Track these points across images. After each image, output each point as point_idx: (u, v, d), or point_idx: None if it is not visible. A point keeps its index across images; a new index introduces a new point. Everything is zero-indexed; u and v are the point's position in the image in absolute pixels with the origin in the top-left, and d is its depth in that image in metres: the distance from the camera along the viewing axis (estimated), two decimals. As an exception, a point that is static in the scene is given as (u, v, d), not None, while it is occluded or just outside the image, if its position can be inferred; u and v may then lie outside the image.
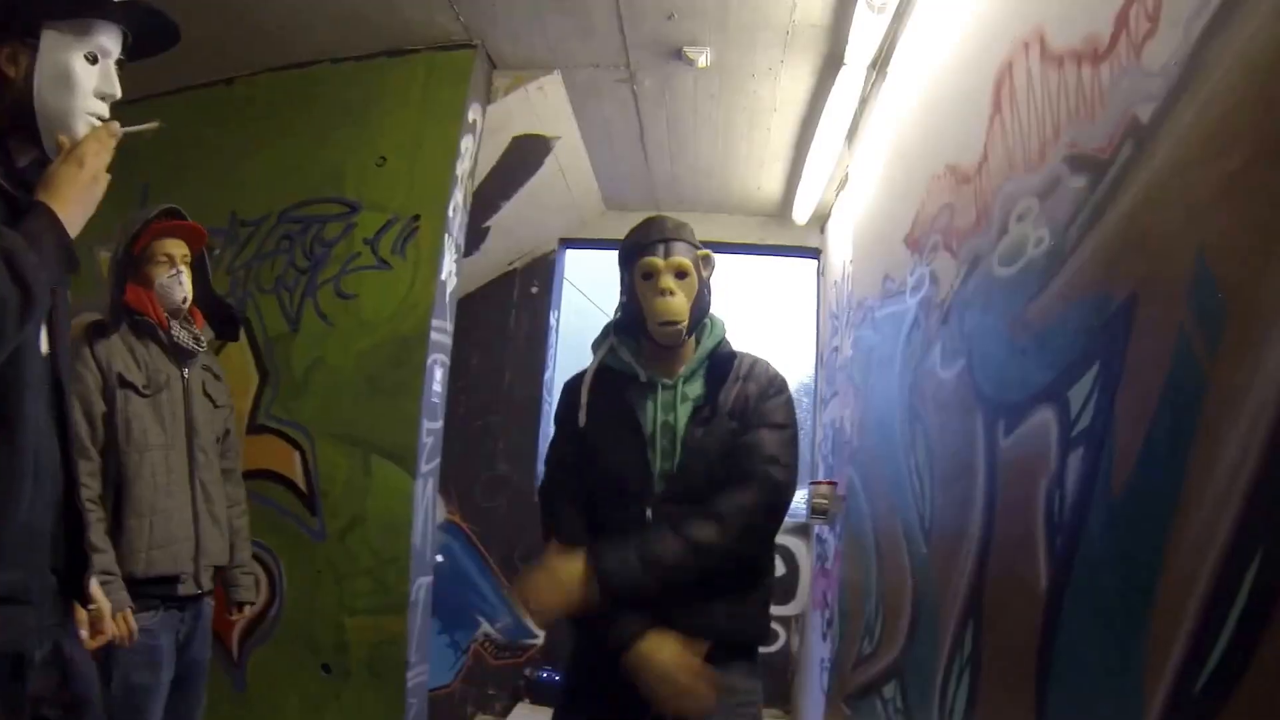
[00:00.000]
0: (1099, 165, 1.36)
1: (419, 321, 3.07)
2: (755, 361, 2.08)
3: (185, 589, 2.28)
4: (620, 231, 5.28)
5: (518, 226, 4.84)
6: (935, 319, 2.35)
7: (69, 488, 1.33)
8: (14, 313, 1.09)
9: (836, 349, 4.47)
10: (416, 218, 3.15)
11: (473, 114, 3.35)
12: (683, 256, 2.01)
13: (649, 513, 1.91)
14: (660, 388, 2.01)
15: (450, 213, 3.16)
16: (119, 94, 1.37)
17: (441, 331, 3.14)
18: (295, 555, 3.12)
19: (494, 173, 4.02)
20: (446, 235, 3.12)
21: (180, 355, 2.37)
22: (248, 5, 3.16)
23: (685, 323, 1.98)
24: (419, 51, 3.43)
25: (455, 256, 3.25)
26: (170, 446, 2.29)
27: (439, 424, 3.20)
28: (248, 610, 2.66)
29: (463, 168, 3.26)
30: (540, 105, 3.83)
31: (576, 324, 5.47)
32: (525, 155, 4.18)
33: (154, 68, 3.80)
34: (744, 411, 1.98)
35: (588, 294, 7.51)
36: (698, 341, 2.07)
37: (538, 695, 4.80)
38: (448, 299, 3.22)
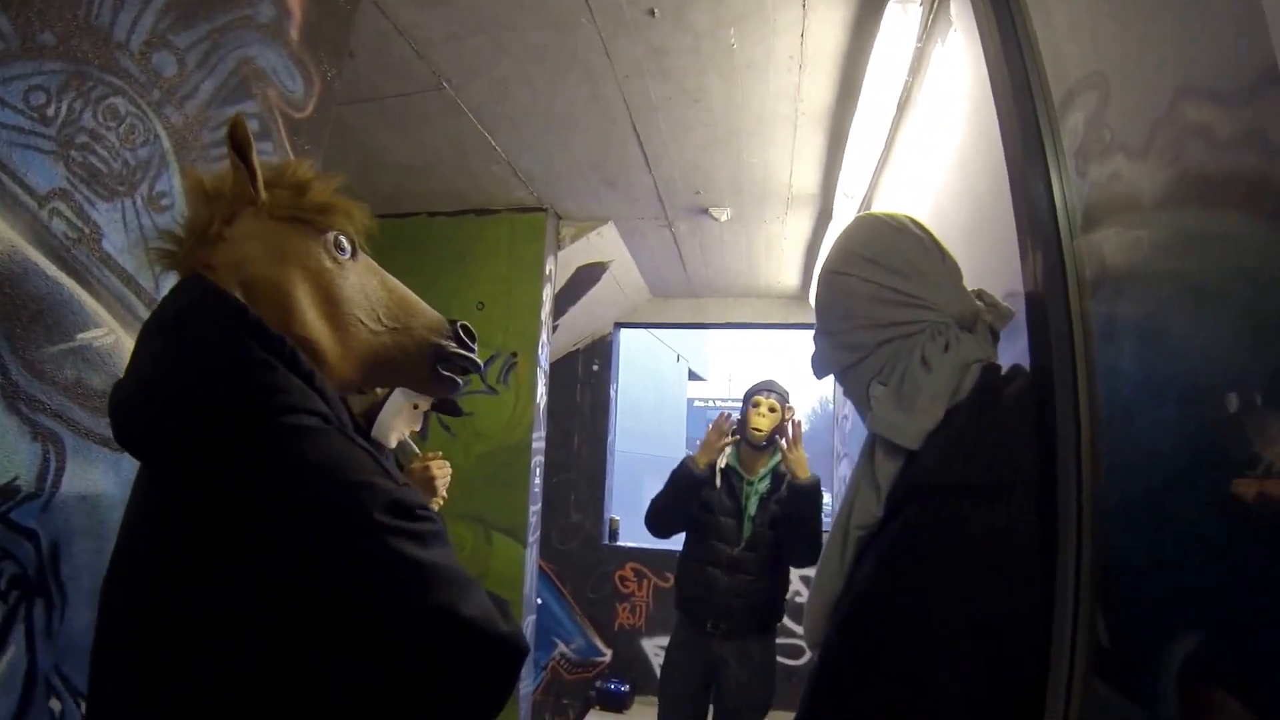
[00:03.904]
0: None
1: (523, 434, 4.18)
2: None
3: None
4: (667, 314, 6.47)
5: (580, 320, 5.93)
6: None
7: None
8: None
9: (846, 416, 5.49)
10: (515, 354, 4.25)
11: (549, 266, 4.45)
12: (774, 400, 3.45)
13: (735, 550, 3.33)
14: (746, 482, 3.45)
15: (539, 349, 4.27)
16: (418, 430, 2.36)
17: (539, 439, 4.24)
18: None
19: (562, 291, 5.11)
20: (539, 368, 4.24)
21: None
22: (359, 177, 4.16)
23: (765, 433, 3.40)
24: (500, 212, 4.47)
25: (545, 382, 4.37)
26: None
27: (539, 506, 4.30)
28: None
29: (545, 312, 4.37)
30: (598, 244, 4.92)
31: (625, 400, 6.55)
32: (587, 275, 5.27)
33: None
34: (783, 500, 3.38)
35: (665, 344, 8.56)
36: (769, 457, 3.49)
37: (606, 703, 5.82)
38: (542, 415, 4.34)
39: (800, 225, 4.72)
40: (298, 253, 1.08)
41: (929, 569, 1.07)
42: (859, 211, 4.14)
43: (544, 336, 4.33)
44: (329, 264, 1.10)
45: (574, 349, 6.46)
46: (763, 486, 3.46)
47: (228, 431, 0.91)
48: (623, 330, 6.72)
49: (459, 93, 3.18)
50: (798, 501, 3.35)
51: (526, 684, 4.21)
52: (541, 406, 4.33)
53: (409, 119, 3.42)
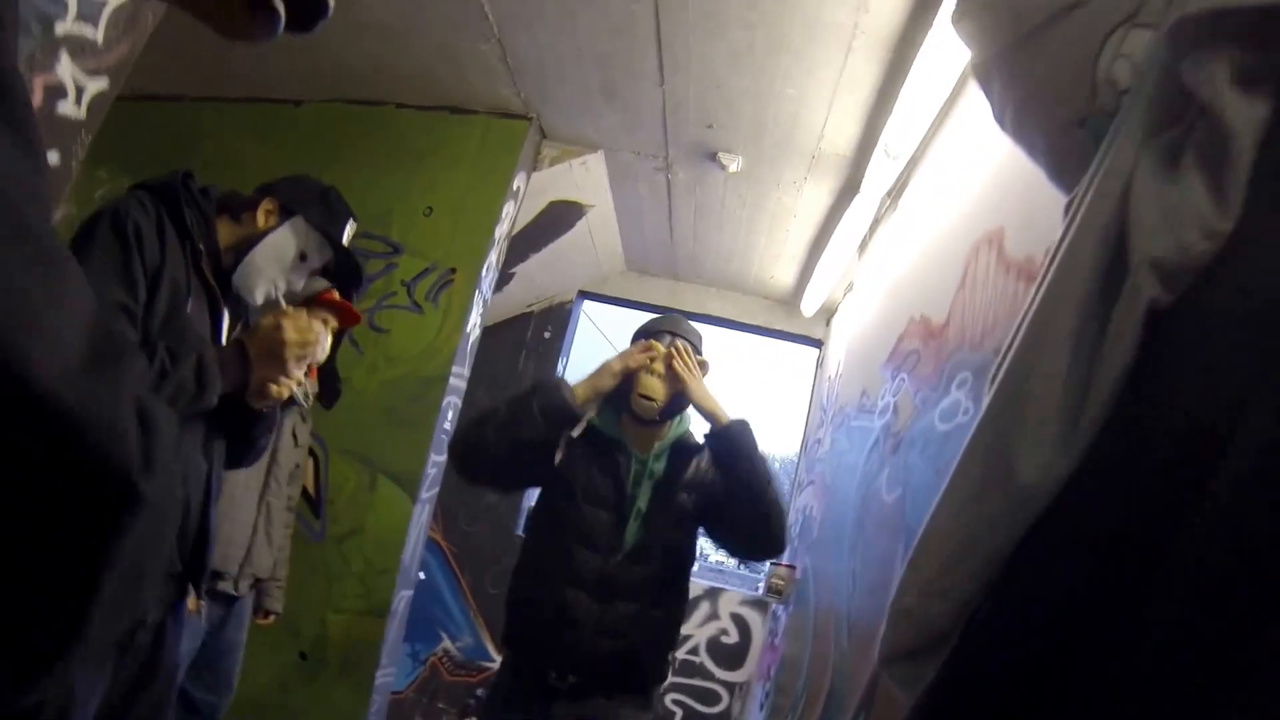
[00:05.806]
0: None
1: (441, 365, 3.39)
2: None
3: (224, 587, 2.58)
4: (639, 292, 5.58)
5: (540, 274, 5.17)
6: (889, 446, 2.66)
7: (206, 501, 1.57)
8: (189, 401, 1.39)
9: (819, 441, 4.77)
10: (453, 270, 3.47)
11: (518, 182, 3.70)
12: (680, 346, 2.19)
13: (611, 562, 2.08)
14: (634, 459, 2.18)
15: (484, 271, 3.50)
16: (298, 291, 1.76)
17: (460, 377, 3.46)
18: (293, 551, 3.36)
19: (528, 228, 4.34)
20: (478, 291, 3.46)
21: (289, 401, 2.58)
22: (333, 37, 3.38)
23: (659, 403, 2.13)
24: (478, 114, 3.74)
25: (481, 310, 3.59)
26: (252, 471, 2.57)
27: (443, 457, 3.49)
28: (273, 619, 2.92)
29: (501, 230, 3.60)
30: (581, 177, 4.18)
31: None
32: (559, 217, 4.52)
33: (229, 74, 4.11)
34: (702, 483, 2.18)
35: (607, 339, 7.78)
36: (669, 428, 2.24)
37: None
38: (470, 347, 3.56)
39: (817, 199, 4.02)
40: None
41: None
42: (896, 181, 3.45)
43: (492, 258, 3.57)
44: None
45: (527, 310, 5.68)
46: (659, 467, 2.19)
47: None
48: (586, 303, 5.95)
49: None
50: (734, 450, 2.12)
51: (388, 673, 3.38)
52: (472, 338, 3.55)
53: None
